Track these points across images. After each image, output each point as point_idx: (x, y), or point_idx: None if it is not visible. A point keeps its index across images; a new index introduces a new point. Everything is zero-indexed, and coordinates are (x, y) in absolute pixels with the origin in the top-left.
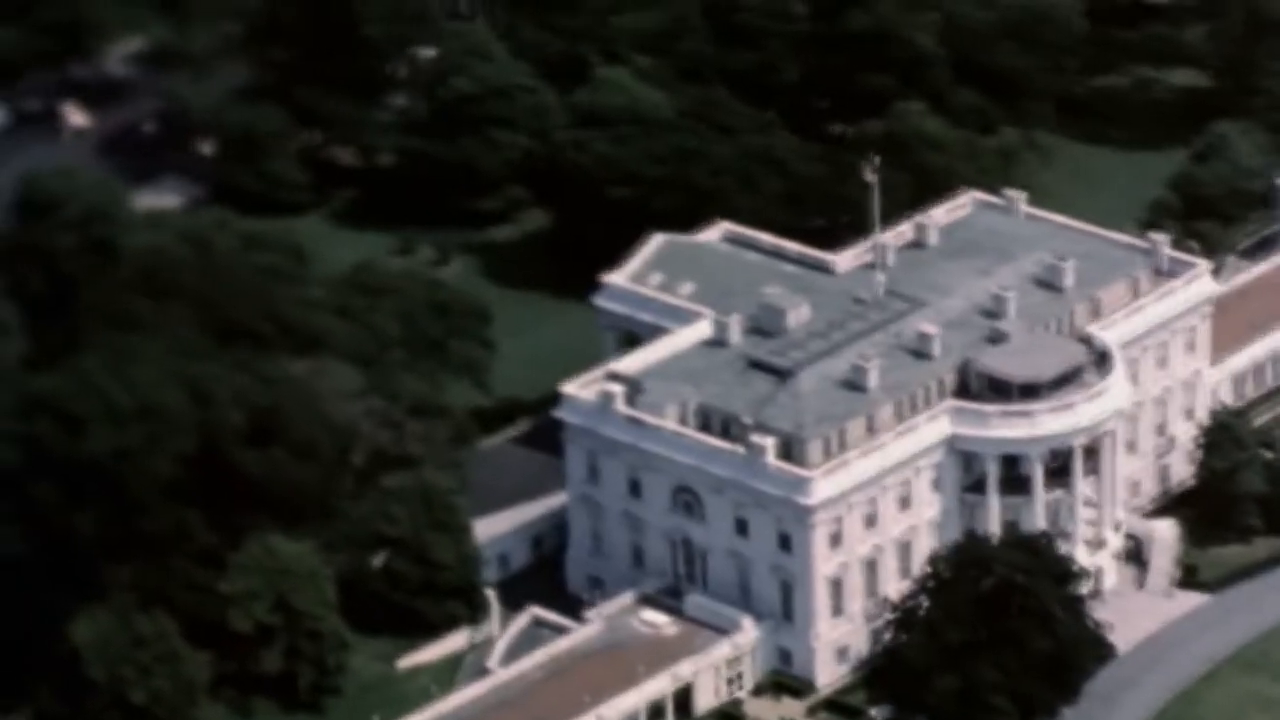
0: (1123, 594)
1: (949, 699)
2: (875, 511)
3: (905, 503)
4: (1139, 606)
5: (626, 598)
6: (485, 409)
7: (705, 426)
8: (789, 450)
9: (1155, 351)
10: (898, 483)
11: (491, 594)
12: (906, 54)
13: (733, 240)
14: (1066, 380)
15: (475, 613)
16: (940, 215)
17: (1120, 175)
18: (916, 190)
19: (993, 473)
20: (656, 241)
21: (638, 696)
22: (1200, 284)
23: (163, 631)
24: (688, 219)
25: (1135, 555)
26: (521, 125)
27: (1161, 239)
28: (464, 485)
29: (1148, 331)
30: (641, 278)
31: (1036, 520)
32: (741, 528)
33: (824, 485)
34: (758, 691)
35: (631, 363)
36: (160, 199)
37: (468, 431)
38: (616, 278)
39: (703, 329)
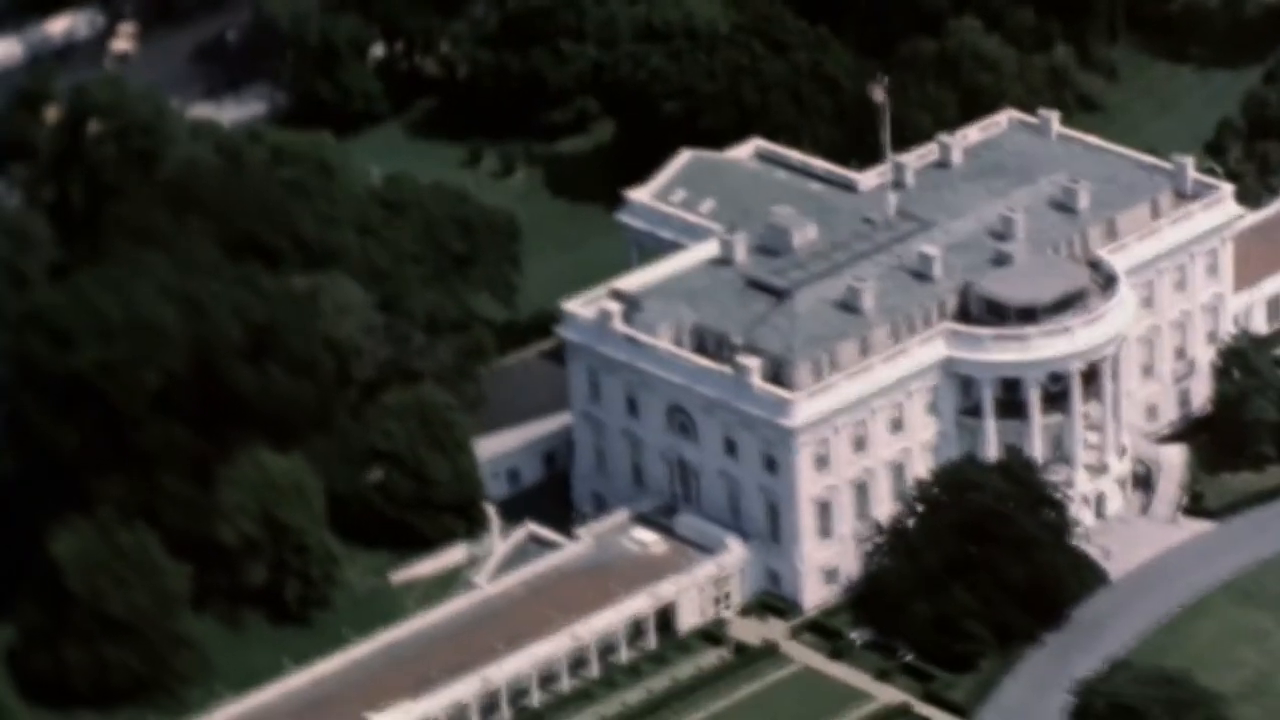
0: (1127, 520)
1: (924, 624)
2: (865, 434)
3: (898, 425)
4: (1141, 533)
5: (621, 516)
6: (519, 323)
7: (700, 346)
8: (778, 371)
9: (1173, 275)
10: (889, 405)
11: (491, 510)
12: None
13: (764, 158)
14: (1067, 304)
15: (474, 528)
16: (973, 135)
17: (1196, 95)
18: (965, 109)
19: (988, 397)
20: (684, 158)
21: (615, 615)
22: (1221, 207)
23: (143, 544)
24: (736, 135)
25: (1145, 481)
26: (590, 37)
27: (1185, 161)
28: (476, 400)
29: (1164, 254)
30: (665, 194)
31: (1034, 445)
32: (731, 448)
33: (808, 407)
34: (745, 612)
35: (634, 280)
36: (244, 110)
37: (485, 347)
38: (639, 194)
39: (710, 248)
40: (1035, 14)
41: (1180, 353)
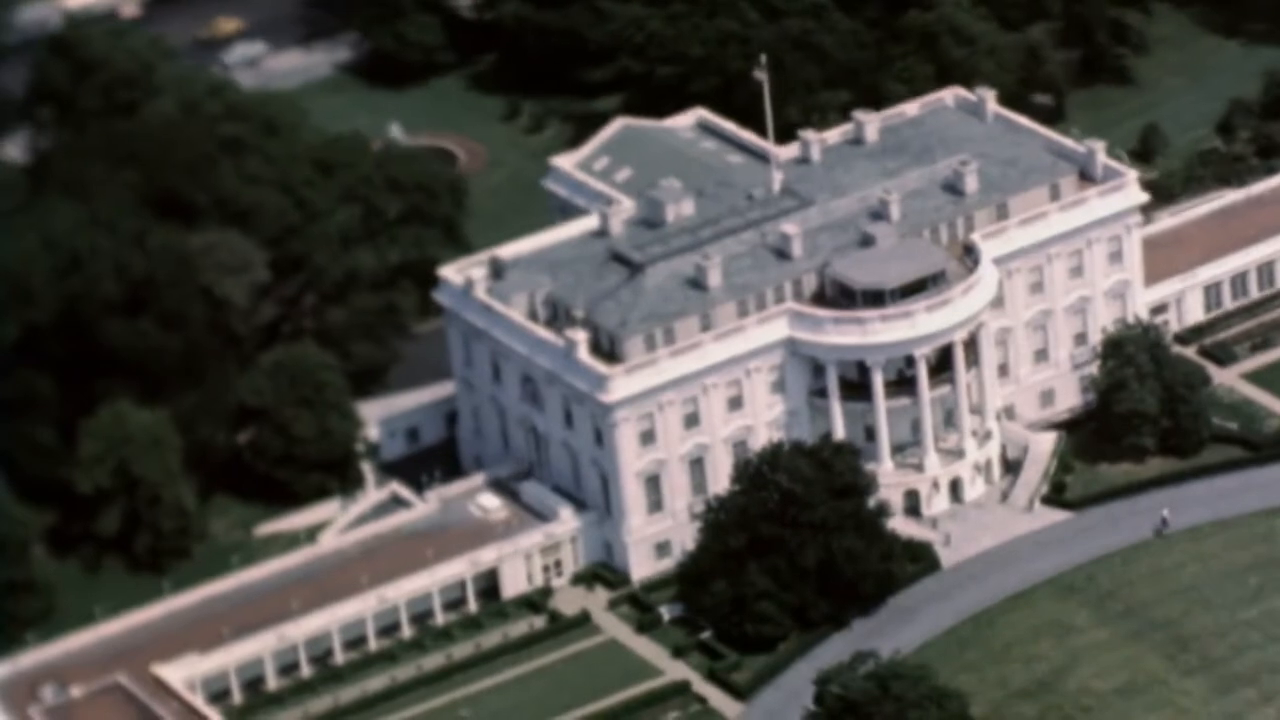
0: (984, 506)
1: (723, 603)
2: (697, 411)
3: (737, 403)
4: (992, 520)
5: (475, 480)
6: None
7: (552, 317)
8: (613, 345)
9: (1067, 260)
10: (725, 383)
11: (367, 468)
12: None
13: (703, 127)
14: (919, 288)
15: (348, 486)
16: (910, 110)
17: (1232, 69)
18: (942, 82)
19: (833, 378)
20: (616, 125)
21: (428, 579)
22: (1124, 194)
23: None
24: (723, 100)
25: (1016, 467)
26: None
27: (1096, 145)
28: (381, 360)
29: (1054, 239)
30: (590, 162)
31: (881, 428)
32: (569, 420)
33: (625, 383)
34: (577, 581)
35: (515, 248)
36: (330, 57)
37: (400, 309)
38: (564, 160)
39: (592, 220)
40: None
41: (1081, 339)
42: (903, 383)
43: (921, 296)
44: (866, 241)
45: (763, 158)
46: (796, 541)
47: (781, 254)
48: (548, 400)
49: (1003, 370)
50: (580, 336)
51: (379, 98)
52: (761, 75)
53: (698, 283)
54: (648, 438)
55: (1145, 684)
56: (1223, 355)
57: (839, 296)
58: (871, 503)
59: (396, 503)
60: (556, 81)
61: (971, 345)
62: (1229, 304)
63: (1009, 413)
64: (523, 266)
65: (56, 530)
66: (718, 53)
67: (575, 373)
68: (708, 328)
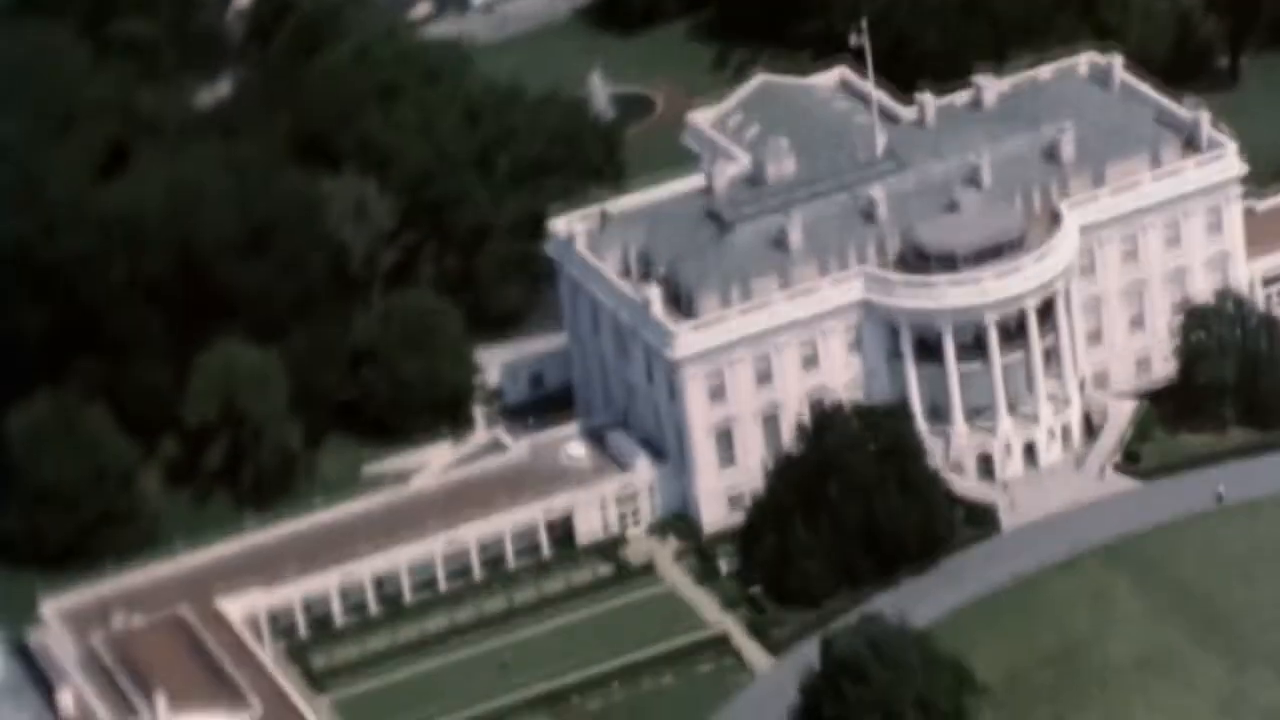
0: (1056, 472)
1: (771, 558)
2: (770, 368)
3: (812, 362)
4: (1060, 486)
5: (567, 429)
6: None
7: (644, 273)
8: (690, 302)
9: (1163, 229)
10: (798, 342)
11: (479, 411)
12: None
13: (844, 86)
14: (993, 254)
15: (458, 429)
16: (1043, 75)
17: None
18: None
19: (906, 340)
20: (756, 82)
21: (498, 524)
22: (1223, 165)
23: (94, 421)
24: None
25: (1098, 434)
26: None
27: (1202, 115)
28: (509, 307)
29: (1149, 208)
30: (726, 118)
31: (952, 391)
32: (650, 374)
33: (691, 340)
34: (653, 530)
35: (626, 202)
36: (553, 5)
37: (530, 257)
38: (700, 117)
39: (701, 177)
40: None
41: (1180, 307)
42: (980, 347)
43: (994, 262)
44: (951, 207)
45: (894, 119)
46: (840, 500)
47: (868, 217)
48: (633, 353)
49: (1096, 337)
50: (654, 292)
51: (604, 42)
52: (860, 40)
53: (780, 242)
54: (717, 393)
55: (1164, 657)
56: None
57: (916, 260)
58: (922, 465)
59: (498, 447)
60: (770, 33)
61: (1048, 311)
62: None
63: (1101, 379)
64: (626, 221)
65: (171, 464)
66: (888, 12)
67: (649, 328)
68: (786, 287)
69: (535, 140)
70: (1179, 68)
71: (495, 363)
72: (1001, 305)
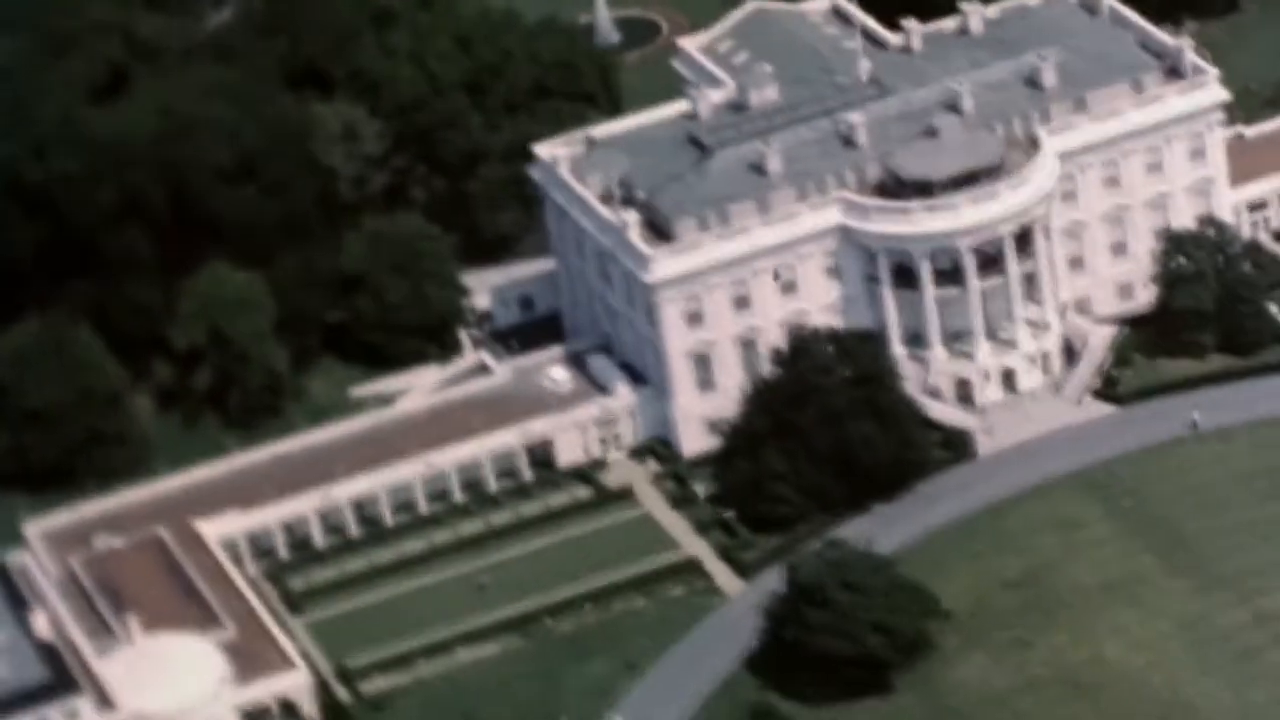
0: (1037, 398)
1: (743, 482)
2: (748, 293)
3: (790, 287)
4: (1039, 412)
5: (551, 352)
6: None
7: (627, 198)
8: (667, 227)
9: (1144, 155)
10: (774, 267)
11: (465, 335)
12: None
13: (835, 13)
14: (969, 181)
15: (446, 352)
16: (1032, 2)
17: None
18: None
19: (884, 266)
20: (748, 8)
21: (477, 447)
22: (1205, 92)
23: (80, 343)
24: None
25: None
26: None
27: (1184, 43)
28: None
29: (1129, 134)
30: (716, 44)
31: (929, 317)
32: (630, 299)
33: (665, 265)
34: (634, 454)
35: (610, 128)
36: None
37: (521, 181)
38: (690, 42)
39: (685, 103)
40: None
41: (1164, 234)
42: (958, 273)
43: (970, 189)
44: (930, 133)
45: (881, 46)
46: (813, 427)
47: (848, 143)
48: (614, 278)
49: (1078, 263)
50: (632, 217)
51: None
52: None
53: (759, 168)
54: (694, 318)
55: (1129, 581)
56: None
57: (895, 186)
58: (895, 391)
59: (483, 371)
60: None
61: (1026, 238)
62: None
63: (1084, 305)
64: (611, 147)
65: (162, 387)
66: None
67: (626, 253)
68: (764, 212)
69: (531, 67)
70: None
71: (486, 287)
72: (976, 232)
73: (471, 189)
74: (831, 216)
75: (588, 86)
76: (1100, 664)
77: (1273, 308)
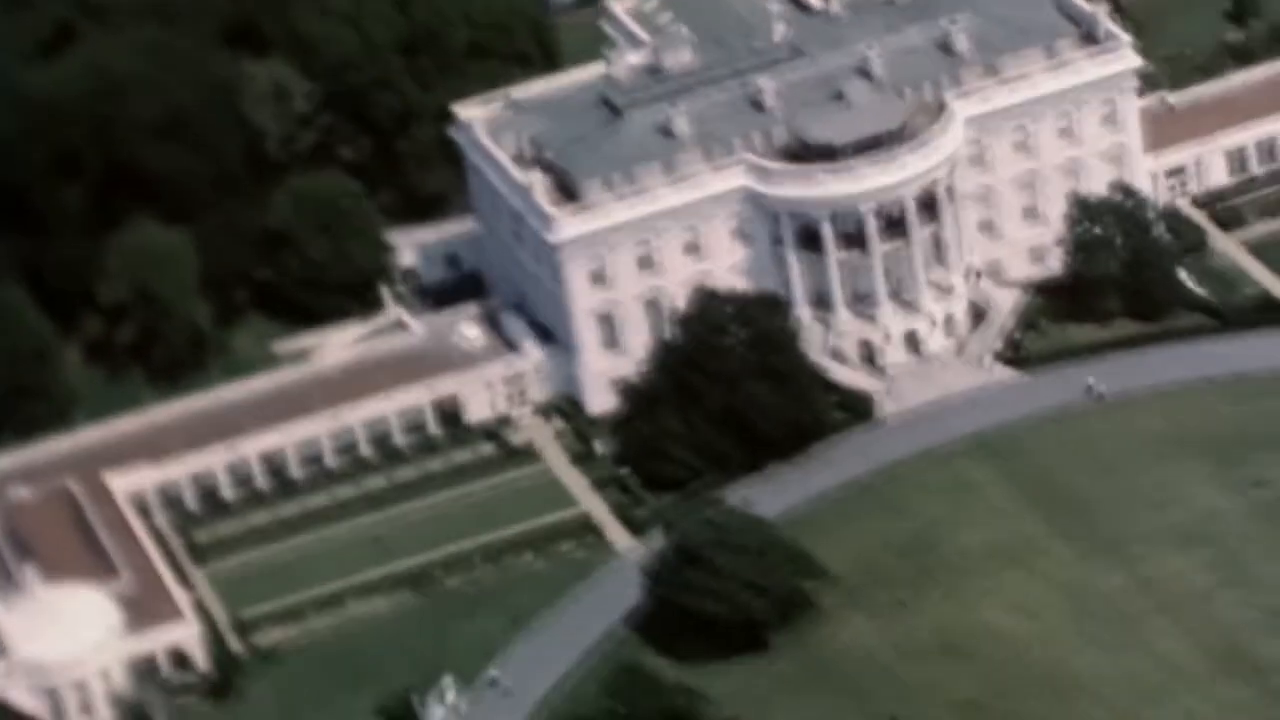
0: (942, 361)
1: (641, 442)
2: (651, 254)
3: (694, 249)
4: (942, 375)
5: (465, 310)
6: None
7: (538, 159)
8: (574, 188)
9: (1055, 120)
10: (680, 228)
11: (387, 292)
12: None
13: None
14: (873, 146)
15: (369, 309)
16: None
17: None
18: None
19: (788, 229)
20: None
21: (385, 404)
22: (1118, 58)
23: (10, 298)
24: None
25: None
26: None
27: (1099, 9)
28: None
29: (1040, 100)
30: (642, 5)
31: (831, 280)
32: (539, 258)
33: (570, 225)
34: (543, 412)
35: (529, 89)
36: None
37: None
38: (618, 4)
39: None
40: None
41: (1073, 200)
42: (862, 236)
43: (872, 153)
44: (838, 98)
45: (806, 10)
46: (708, 388)
47: (757, 106)
48: (524, 237)
49: (990, 228)
50: (537, 177)
51: None
52: None
53: (668, 131)
54: (599, 278)
55: (1017, 546)
56: (1229, 220)
57: (800, 150)
58: (793, 353)
59: (400, 327)
60: None
61: (930, 202)
62: (1257, 170)
63: (995, 270)
64: (529, 108)
65: (91, 342)
66: None
67: (532, 213)
68: (670, 174)
69: (465, 29)
70: None
71: (412, 244)
72: (877, 195)
73: (402, 148)
74: (736, 179)
75: (522, 47)
76: (981, 628)
77: (1183, 274)
